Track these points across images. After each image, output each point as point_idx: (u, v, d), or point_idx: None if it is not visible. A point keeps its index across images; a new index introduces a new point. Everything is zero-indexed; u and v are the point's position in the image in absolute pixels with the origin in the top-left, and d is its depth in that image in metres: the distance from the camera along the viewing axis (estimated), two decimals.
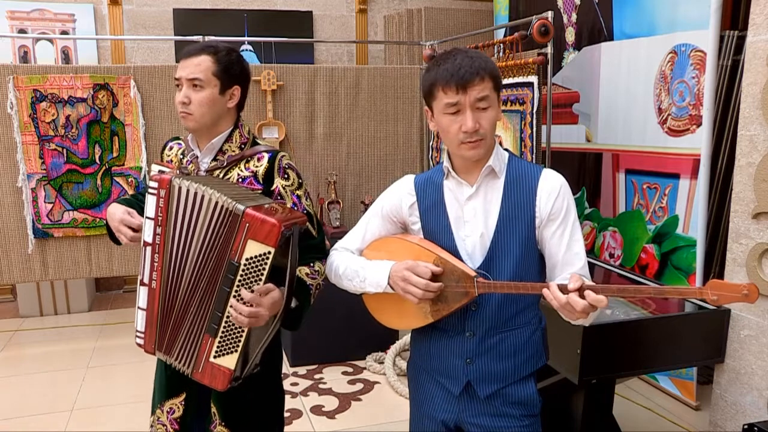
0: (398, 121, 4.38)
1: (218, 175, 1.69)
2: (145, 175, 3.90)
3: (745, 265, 2.46)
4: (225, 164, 1.69)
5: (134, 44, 5.09)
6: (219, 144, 1.70)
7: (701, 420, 3.02)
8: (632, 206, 3.46)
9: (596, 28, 3.67)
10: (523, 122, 3.24)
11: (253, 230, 1.46)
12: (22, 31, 4.82)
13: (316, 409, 3.20)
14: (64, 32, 4.90)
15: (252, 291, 1.48)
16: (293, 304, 1.56)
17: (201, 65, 1.62)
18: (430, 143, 4.30)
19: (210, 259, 1.53)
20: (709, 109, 2.94)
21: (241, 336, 1.52)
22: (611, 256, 3.59)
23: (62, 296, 4.73)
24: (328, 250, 1.71)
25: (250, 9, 5.25)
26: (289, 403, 3.24)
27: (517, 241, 1.49)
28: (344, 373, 3.64)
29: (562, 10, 3.94)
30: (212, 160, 1.70)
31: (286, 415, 1.92)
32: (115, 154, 3.88)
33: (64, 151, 3.79)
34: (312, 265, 1.65)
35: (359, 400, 3.32)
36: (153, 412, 1.81)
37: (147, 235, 1.60)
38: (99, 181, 3.87)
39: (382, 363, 3.63)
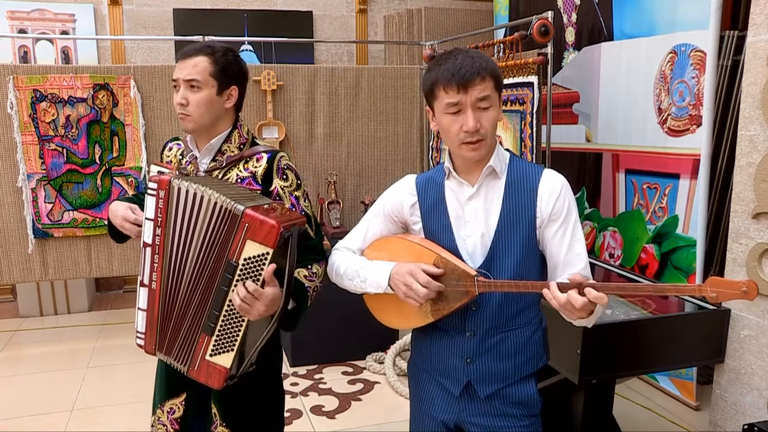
0: (398, 121, 4.38)
1: (217, 176, 1.69)
2: (145, 175, 3.90)
3: (745, 265, 2.46)
4: (224, 165, 1.69)
5: (134, 44, 5.09)
6: (218, 144, 1.70)
7: (701, 420, 3.02)
8: (632, 206, 3.46)
9: (596, 28, 3.67)
10: (523, 122, 3.24)
11: (252, 230, 1.46)
12: (22, 31, 4.82)
13: (316, 409, 3.20)
14: (64, 32, 4.90)
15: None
16: (291, 305, 1.56)
17: (198, 66, 1.62)
18: (430, 143, 4.29)
19: (209, 259, 1.53)
20: (709, 109, 2.94)
21: (238, 335, 1.52)
22: (611, 256, 3.60)
23: (62, 296, 4.73)
24: (327, 252, 1.71)
25: (250, 9, 5.25)
26: (289, 403, 3.24)
27: (518, 242, 1.49)
28: (344, 373, 3.64)
29: (562, 10, 3.94)
30: (211, 161, 1.70)
31: (286, 415, 1.92)
32: (115, 154, 3.88)
33: (64, 151, 3.79)
34: (310, 267, 1.65)
35: (359, 400, 3.32)
36: (153, 412, 1.81)
37: (147, 236, 1.60)
38: (99, 181, 3.87)
39: (382, 363, 3.63)
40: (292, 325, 1.61)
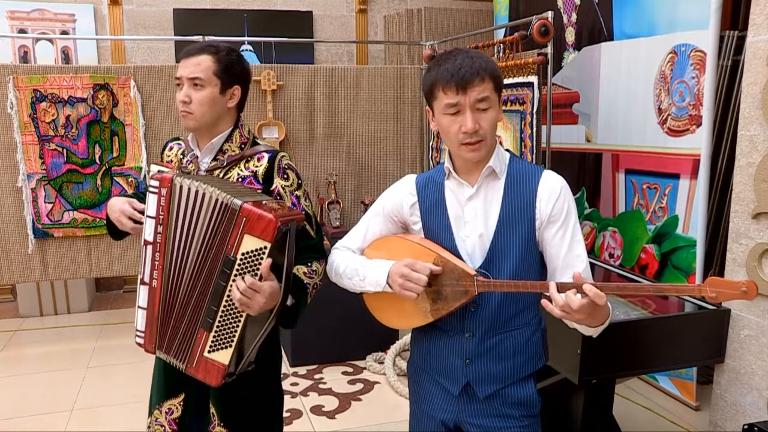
0: (398, 121, 4.38)
1: (218, 175, 1.69)
2: (145, 175, 3.90)
3: (745, 265, 2.46)
4: (225, 164, 1.69)
5: (134, 44, 5.09)
6: (219, 144, 1.70)
7: (701, 420, 3.02)
8: (632, 206, 3.46)
9: (596, 28, 3.67)
10: (523, 122, 3.24)
11: (249, 225, 1.46)
12: (22, 31, 4.82)
13: (316, 409, 3.20)
14: (64, 32, 4.90)
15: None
16: (290, 301, 1.56)
17: (201, 64, 1.63)
18: (430, 143, 4.30)
19: (208, 255, 1.53)
20: (709, 109, 2.94)
21: (236, 331, 1.52)
22: (611, 256, 3.60)
23: (62, 296, 4.73)
24: (327, 252, 1.71)
25: (250, 9, 5.25)
26: (289, 403, 3.24)
27: (517, 243, 1.49)
28: (344, 373, 3.64)
29: (562, 10, 3.94)
30: (212, 160, 1.71)
31: (286, 415, 1.92)
32: (115, 154, 3.88)
33: (64, 151, 3.79)
34: (310, 264, 1.65)
35: (359, 400, 3.32)
36: (150, 413, 1.80)
37: (148, 234, 1.60)
38: (99, 181, 3.87)
39: (382, 363, 3.63)
40: (291, 322, 1.61)
